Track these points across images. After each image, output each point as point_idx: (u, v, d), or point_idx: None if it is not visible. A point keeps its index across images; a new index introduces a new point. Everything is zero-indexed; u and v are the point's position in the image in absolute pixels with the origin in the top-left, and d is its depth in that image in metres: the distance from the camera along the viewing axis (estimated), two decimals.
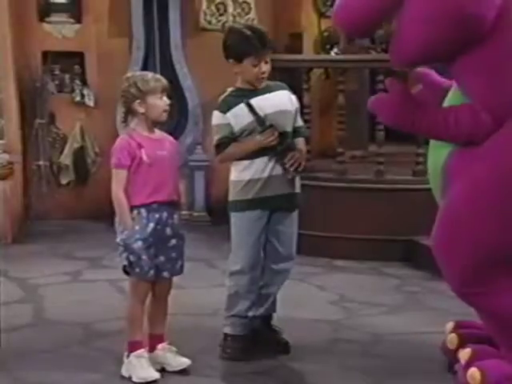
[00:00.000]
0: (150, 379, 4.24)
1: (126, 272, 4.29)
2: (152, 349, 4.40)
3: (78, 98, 8.06)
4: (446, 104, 4.24)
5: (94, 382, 4.44)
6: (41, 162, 7.98)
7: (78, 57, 8.11)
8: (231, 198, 4.70)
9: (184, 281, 5.46)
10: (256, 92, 4.53)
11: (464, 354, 4.19)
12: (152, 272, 4.24)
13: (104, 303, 5.67)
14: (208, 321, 5.43)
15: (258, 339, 4.69)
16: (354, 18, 4.00)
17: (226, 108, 4.48)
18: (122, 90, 4.31)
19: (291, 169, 4.47)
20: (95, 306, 5.64)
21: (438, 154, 4.19)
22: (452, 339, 4.51)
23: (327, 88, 7.89)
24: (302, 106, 7.18)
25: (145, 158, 4.18)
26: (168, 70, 7.98)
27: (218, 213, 8.05)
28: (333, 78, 7.68)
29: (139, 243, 4.16)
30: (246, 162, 4.50)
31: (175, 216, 4.35)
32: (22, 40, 7.80)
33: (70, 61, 8.10)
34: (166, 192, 4.28)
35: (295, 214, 4.80)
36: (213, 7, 8.31)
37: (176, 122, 7.99)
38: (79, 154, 8.11)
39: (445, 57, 4.05)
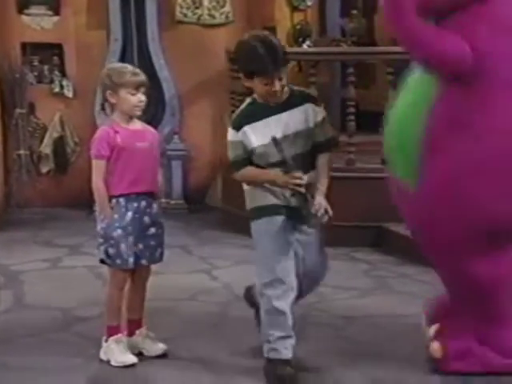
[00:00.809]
0: (127, 363, 4.26)
1: (104, 262, 4.31)
2: (130, 334, 4.42)
3: (57, 89, 8.08)
4: None
5: (73, 366, 4.42)
6: (21, 151, 8.00)
7: (56, 48, 8.11)
8: (248, 206, 4.31)
9: (162, 267, 5.39)
10: (271, 109, 4.03)
11: (433, 348, 4.22)
12: (131, 260, 4.24)
13: (83, 289, 5.68)
14: (185, 305, 5.47)
15: None
16: None
17: (238, 126, 4.04)
18: (100, 79, 4.29)
19: (319, 214, 3.94)
20: (75, 291, 5.65)
21: (411, 124, 4.05)
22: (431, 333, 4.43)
23: (299, 80, 7.86)
24: None
25: (119, 142, 4.17)
26: (145, 62, 8.03)
27: (194, 201, 8.14)
28: (305, 71, 7.65)
29: (118, 231, 4.17)
30: None
31: (154, 205, 4.34)
32: (1, 32, 7.82)
33: (48, 52, 8.11)
34: (146, 183, 4.26)
35: None
36: (188, 0, 8.30)
37: (153, 112, 7.95)
38: (59, 144, 8.13)
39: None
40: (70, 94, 8.08)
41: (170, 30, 8.26)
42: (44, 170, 8.12)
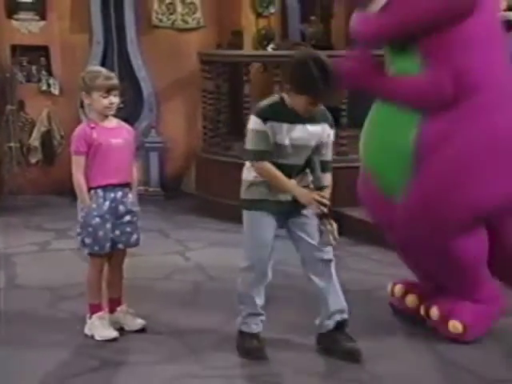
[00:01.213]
0: (110, 337, 4.30)
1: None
2: (112, 311, 4.46)
3: (44, 87, 8.01)
4: (395, 69, 4.31)
5: (60, 341, 4.44)
6: (12, 144, 7.92)
7: (43, 50, 8.02)
8: (241, 195, 4.22)
9: (140, 249, 5.40)
10: (297, 117, 3.90)
11: (433, 313, 4.44)
12: (108, 245, 4.30)
13: (69, 270, 5.65)
14: (161, 284, 5.47)
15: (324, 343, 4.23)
16: None
17: (265, 117, 3.87)
18: (79, 79, 4.31)
19: (330, 238, 3.97)
20: (61, 272, 5.63)
21: (398, 143, 4.19)
22: (411, 300, 4.68)
23: (265, 79, 7.85)
24: (243, 96, 7.21)
25: (96, 138, 4.19)
26: (125, 63, 8.03)
27: (170, 188, 8.15)
28: (269, 71, 7.61)
29: (97, 219, 4.21)
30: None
31: (129, 195, 4.38)
32: None
33: (36, 54, 8.02)
34: (121, 175, 4.31)
35: None
36: (163, 7, 8.25)
37: (133, 108, 8.01)
38: (46, 137, 8.06)
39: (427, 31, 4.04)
40: (56, 92, 8.01)
41: (146, 34, 8.19)
42: (33, 160, 8.04)
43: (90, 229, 4.21)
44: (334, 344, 4.12)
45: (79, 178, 4.22)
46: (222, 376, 4.00)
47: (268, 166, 3.91)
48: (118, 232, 4.33)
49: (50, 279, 5.49)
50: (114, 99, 4.22)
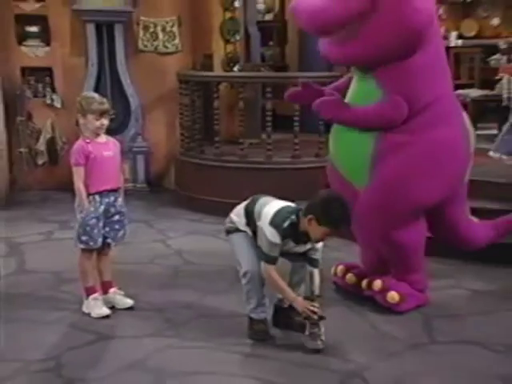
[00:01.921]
0: (103, 315, 4.35)
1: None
2: (105, 292, 4.48)
3: (48, 101, 7.95)
4: (354, 96, 4.40)
5: (62, 317, 4.47)
6: (22, 149, 7.87)
7: (47, 71, 7.96)
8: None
9: (129, 237, 5.44)
10: (303, 237, 3.87)
11: (376, 284, 4.50)
12: (100, 240, 4.36)
13: (70, 256, 5.47)
14: (146, 268, 5.45)
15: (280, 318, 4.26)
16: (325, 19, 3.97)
17: (284, 236, 3.82)
18: (77, 103, 4.29)
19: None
20: (63, 258, 5.50)
21: (361, 147, 4.27)
22: (350, 277, 4.77)
23: (232, 95, 7.85)
24: (214, 109, 7.21)
25: (91, 150, 4.22)
26: (115, 81, 7.99)
27: (154, 184, 8.14)
28: (235, 88, 7.61)
29: (94, 220, 4.27)
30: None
31: (119, 199, 4.41)
32: (6, 59, 7.66)
33: (42, 74, 7.95)
34: (112, 181, 4.35)
35: None
36: (148, 35, 8.20)
37: (122, 119, 7.98)
38: (50, 143, 8.01)
39: (385, 61, 4.09)
40: (58, 105, 7.96)
41: (134, 57, 8.14)
42: (40, 162, 7.98)
43: (88, 228, 4.26)
44: (289, 319, 4.16)
45: (80, 186, 4.24)
46: (199, 347, 4.01)
47: (273, 271, 3.89)
48: (107, 229, 4.38)
49: (53, 265, 5.45)
50: (105, 121, 4.25)
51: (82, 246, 4.36)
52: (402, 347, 4.01)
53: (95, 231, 4.29)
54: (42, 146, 7.93)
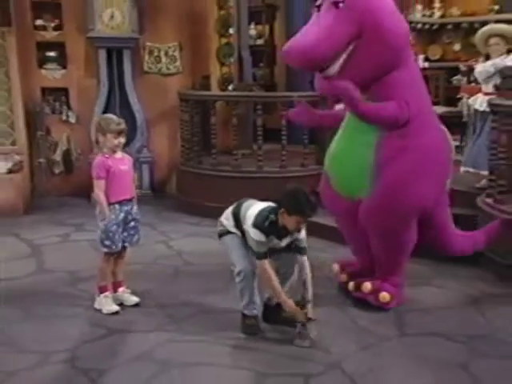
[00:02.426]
0: (113, 311, 4.34)
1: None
2: (115, 291, 4.48)
3: (64, 118, 7.90)
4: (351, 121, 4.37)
5: (77, 313, 4.45)
6: (41, 160, 7.82)
7: (64, 91, 7.91)
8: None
9: None
10: (284, 232, 3.91)
11: (365, 286, 4.49)
12: (120, 244, 4.34)
13: (85, 257, 5.58)
14: (151, 268, 5.40)
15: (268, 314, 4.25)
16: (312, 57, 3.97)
17: (267, 233, 3.85)
18: (95, 123, 4.35)
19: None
20: (78, 259, 5.54)
21: (361, 157, 4.25)
22: (343, 277, 4.80)
23: (226, 111, 7.85)
24: (211, 124, 7.20)
25: (111, 165, 4.21)
26: (124, 99, 7.94)
27: (158, 191, 8.10)
28: (230, 105, 7.62)
29: (115, 227, 4.26)
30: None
31: (134, 207, 4.41)
32: (28, 80, 7.60)
33: (59, 93, 7.90)
34: (129, 192, 4.36)
35: None
36: (152, 58, 8.20)
37: (129, 132, 7.78)
38: (66, 154, 7.96)
39: (375, 81, 4.11)
40: (73, 121, 7.92)
41: (140, 78, 8.10)
42: (57, 171, 7.93)
43: (110, 234, 4.25)
44: (277, 315, 4.16)
45: (101, 197, 4.21)
46: (198, 341, 4.00)
47: (267, 265, 3.89)
48: (125, 234, 4.38)
49: (70, 264, 5.42)
50: (122, 139, 4.26)
51: (105, 250, 4.33)
52: (377, 340, 4.02)
53: (116, 236, 4.28)
54: (58, 156, 7.89)
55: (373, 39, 3.97)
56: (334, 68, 4.07)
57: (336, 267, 4.90)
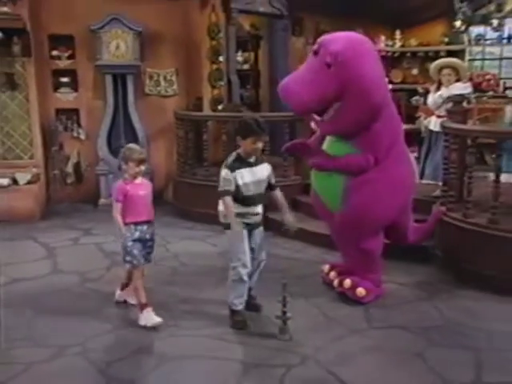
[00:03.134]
0: (157, 323, 4.10)
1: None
2: (121, 289, 4.42)
3: (75, 134, 7.86)
4: (330, 149, 4.45)
5: (87, 311, 4.44)
6: (55, 171, 7.79)
7: (75, 111, 7.88)
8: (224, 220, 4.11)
9: None
10: (249, 163, 3.98)
11: (346, 283, 4.56)
12: (142, 260, 4.20)
13: (92, 259, 5.60)
14: (151, 269, 4.92)
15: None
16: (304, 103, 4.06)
17: (232, 169, 3.92)
18: (120, 152, 4.20)
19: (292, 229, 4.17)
20: (87, 260, 5.54)
21: (335, 183, 4.37)
22: (333, 275, 4.79)
23: (217, 129, 7.86)
24: (203, 140, 7.20)
25: (129, 190, 4.08)
26: (127, 118, 7.92)
27: (156, 198, 7.84)
28: (220, 124, 7.64)
29: (131, 243, 4.11)
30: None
31: (151, 228, 4.25)
32: (44, 103, 7.57)
33: (71, 113, 7.86)
34: (145, 215, 4.20)
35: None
36: (152, 82, 8.20)
37: None
38: (76, 166, 7.93)
39: (356, 130, 4.20)
40: (83, 137, 7.89)
41: (141, 99, 8.08)
42: (68, 181, 7.89)
43: (128, 249, 4.10)
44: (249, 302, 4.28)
45: (118, 218, 4.05)
46: (193, 335, 4.01)
47: (228, 199, 3.94)
48: (144, 252, 4.20)
49: (79, 266, 5.39)
50: (142, 167, 4.12)
51: (128, 266, 4.20)
52: (348, 332, 4.04)
53: (135, 251, 4.11)
54: (70, 168, 7.86)
55: (352, 98, 4.05)
56: (328, 115, 4.19)
57: (326, 267, 4.92)
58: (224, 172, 3.95)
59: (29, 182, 7.04)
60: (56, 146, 7.73)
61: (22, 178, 7.01)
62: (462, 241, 4.96)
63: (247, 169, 3.97)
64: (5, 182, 6.90)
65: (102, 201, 7.60)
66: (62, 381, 3.47)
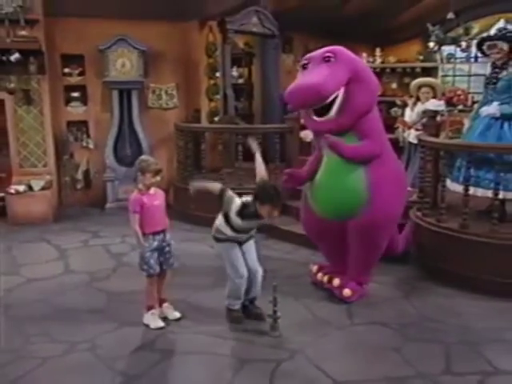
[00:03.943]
0: (159, 327, 4.06)
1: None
2: (160, 305, 4.23)
3: (84, 144, 7.84)
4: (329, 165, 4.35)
5: (96, 309, 4.42)
6: (67, 178, 7.78)
7: (84, 123, 7.87)
8: (218, 235, 4.05)
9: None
10: (255, 217, 3.87)
11: (335, 282, 4.54)
12: (158, 268, 4.10)
13: (100, 260, 5.58)
14: None
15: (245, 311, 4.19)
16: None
17: (241, 216, 3.85)
18: (136, 164, 4.06)
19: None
20: (95, 261, 5.52)
21: (351, 186, 4.20)
22: (321, 276, 4.74)
23: (213, 138, 7.85)
24: (201, 149, 7.20)
25: (146, 202, 3.97)
26: (131, 129, 7.90)
27: None
28: (216, 134, 7.63)
29: (149, 253, 4.02)
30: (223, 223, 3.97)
31: (167, 235, 4.15)
32: (56, 116, 7.55)
33: (80, 125, 7.84)
34: (161, 224, 4.09)
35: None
36: (155, 96, 8.19)
37: (136, 155, 7.64)
38: (86, 173, 7.91)
39: (357, 122, 4.15)
40: (91, 147, 7.86)
41: (144, 112, 8.06)
42: (78, 187, 7.87)
43: (146, 259, 4.00)
44: (249, 312, 4.17)
45: (136, 229, 3.93)
46: (191, 332, 4.00)
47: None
48: (162, 258, 4.10)
49: (88, 267, 5.37)
50: (158, 178, 4.01)
51: (144, 274, 4.08)
52: (333, 329, 4.05)
53: (152, 261, 4.01)
54: (79, 175, 7.84)
55: (359, 86, 4.08)
56: (332, 113, 4.12)
57: (314, 268, 4.87)
58: (236, 220, 3.87)
59: (43, 188, 7.01)
60: (67, 154, 7.72)
61: (37, 184, 6.99)
62: (436, 243, 4.98)
63: (252, 221, 3.90)
64: (21, 188, 6.88)
65: (108, 205, 7.60)
66: (75, 375, 3.47)
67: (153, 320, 4.07)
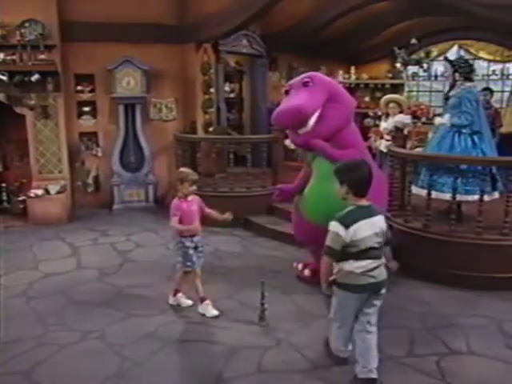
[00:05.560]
0: (187, 305, 4.19)
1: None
2: (201, 302, 4.15)
3: (94, 152, 7.76)
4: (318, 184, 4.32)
5: (104, 301, 4.39)
6: (79, 183, 7.71)
7: (94, 134, 7.79)
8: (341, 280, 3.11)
9: (142, 241, 5.54)
10: (368, 212, 3.03)
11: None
12: (199, 263, 4.14)
13: (109, 256, 5.54)
14: (155, 265, 5.24)
15: None
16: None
17: (346, 223, 2.95)
18: (177, 174, 4.10)
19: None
20: (104, 258, 5.48)
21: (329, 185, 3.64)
22: (307, 272, 4.71)
23: (208, 147, 7.81)
24: (197, 157, 7.19)
25: (185, 207, 3.98)
26: (135, 139, 7.83)
27: (159, 203, 7.96)
28: (210, 144, 7.61)
29: (192, 251, 4.05)
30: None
31: (200, 238, 4.14)
32: (70, 128, 7.47)
33: (91, 136, 7.77)
34: (197, 228, 4.07)
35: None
36: (156, 109, 8.10)
37: (139, 162, 7.84)
38: (95, 178, 7.84)
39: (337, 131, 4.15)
40: (100, 155, 7.78)
41: (147, 123, 7.98)
42: (89, 190, 7.79)
43: (189, 257, 4.03)
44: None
45: (178, 226, 3.95)
46: (190, 322, 4.00)
47: (330, 261, 3.01)
48: (195, 258, 4.09)
49: (97, 262, 5.34)
50: (195, 187, 4.03)
51: (188, 269, 4.08)
52: (313, 319, 4.05)
53: (194, 258, 4.05)
54: (90, 180, 7.77)
55: (334, 104, 4.13)
56: (308, 127, 4.15)
57: (300, 266, 4.83)
58: (336, 227, 2.99)
59: (58, 192, 6.97)
60: (79, 162, 7.66)
61: (53, 188, 6.95)
62: (404, 240, 5.02)
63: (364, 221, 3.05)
64: (40, 192, 6.86)
65: (115, 206, 7.58)
66: (88, 360, 3.48)
67: (208, 310, 4.05)
